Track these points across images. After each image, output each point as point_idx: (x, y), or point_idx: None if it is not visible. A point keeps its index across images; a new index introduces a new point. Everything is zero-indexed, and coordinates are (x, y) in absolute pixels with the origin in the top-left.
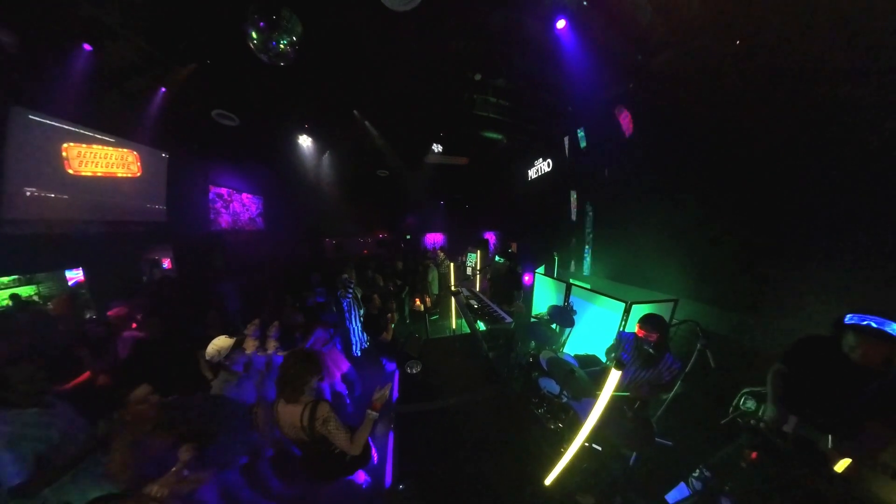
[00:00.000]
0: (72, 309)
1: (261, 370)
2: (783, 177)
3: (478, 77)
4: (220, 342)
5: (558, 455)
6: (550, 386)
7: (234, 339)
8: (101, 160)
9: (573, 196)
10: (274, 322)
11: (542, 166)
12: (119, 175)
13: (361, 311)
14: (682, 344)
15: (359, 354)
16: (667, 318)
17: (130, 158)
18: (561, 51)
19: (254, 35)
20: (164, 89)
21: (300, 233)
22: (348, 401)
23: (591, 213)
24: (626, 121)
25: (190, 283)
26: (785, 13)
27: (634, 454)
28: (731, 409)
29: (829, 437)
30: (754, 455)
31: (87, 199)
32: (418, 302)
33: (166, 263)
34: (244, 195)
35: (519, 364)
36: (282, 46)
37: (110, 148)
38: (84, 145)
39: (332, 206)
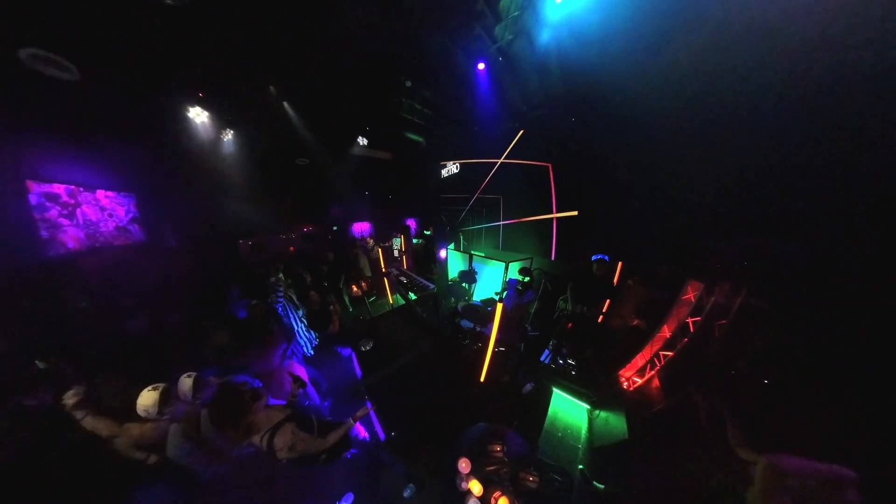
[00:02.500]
0: None
1: None
2: (580, 192)
3: (408, 84)
4: (145, 400)
5: (482, 362)
6: (468, 323)
7: (160, 387)
8: None
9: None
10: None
11: (452, 168)
12: None
13: (300, 312)
14: (536, 281)
15: (312, 353)
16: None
17: None
18: (477, 85)
19: None
20: None
21: (203, 237)
22: (318, 399)
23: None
24: None
25: (26, 350)
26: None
27: (522, 345)
28: (556, 308)
29: (585, 308)
30: (570, 325)
31: None
32: (355, 288)
33: None
34: (101, 193)
35: (445, 316)
36: None
37: None
38: None
39: (243, 201)
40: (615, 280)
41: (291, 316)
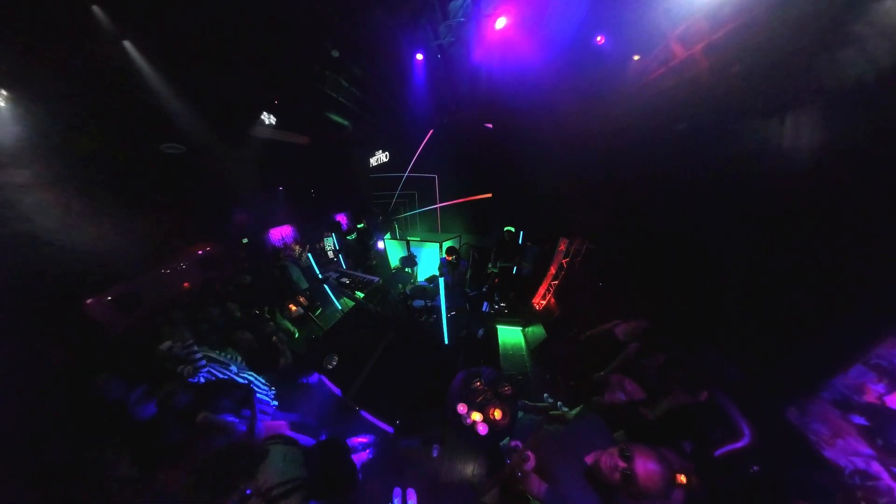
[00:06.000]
0: None
1: None
2: (494, 179)
3: (336, 54)
4: None
5: (441, 329)
6: (419, 302)
7: None
8: None
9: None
10: None
11: (381, 157)
12: None
13: (235, 367)
14: (465, 253)
15: (276, 404)
16: (457, 245)
17: None
18: (412, 74)
19: None
20: None
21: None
22: (311, 440)
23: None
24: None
25: None
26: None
27: (467, 305)
28: (486, 270)
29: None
30: (497, 280)
31: None
32: (294, 307)
33: None
34: None
35: (397, 302)
36: None
37: None
38: None
39: (70, 235)
40: (519, 243)
41: (227, 378)
